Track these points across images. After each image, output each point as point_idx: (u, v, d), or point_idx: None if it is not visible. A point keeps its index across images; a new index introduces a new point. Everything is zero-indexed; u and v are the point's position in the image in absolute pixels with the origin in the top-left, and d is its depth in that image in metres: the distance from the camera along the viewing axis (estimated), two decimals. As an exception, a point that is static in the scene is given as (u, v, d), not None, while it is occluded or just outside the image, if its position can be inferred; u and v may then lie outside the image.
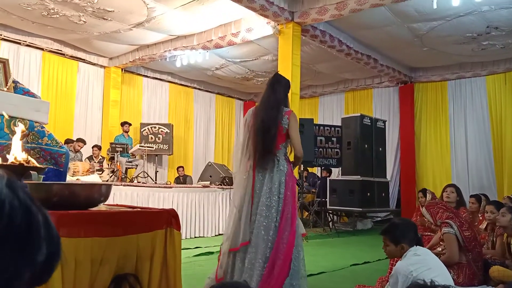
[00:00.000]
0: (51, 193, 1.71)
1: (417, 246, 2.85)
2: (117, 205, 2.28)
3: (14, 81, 3.48)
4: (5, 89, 3.34)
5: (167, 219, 1.88)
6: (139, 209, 1.96)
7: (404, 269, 2.65)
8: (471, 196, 5.54)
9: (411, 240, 2.73)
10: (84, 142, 8.92)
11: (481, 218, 5.30)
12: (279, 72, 3.26)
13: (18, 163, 2.09)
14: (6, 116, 2.41)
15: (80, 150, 8.81)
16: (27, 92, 3.48)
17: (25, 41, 8.85)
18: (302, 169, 8.88)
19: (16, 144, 2.24)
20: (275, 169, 2.80)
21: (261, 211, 2.72)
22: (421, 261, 2.67)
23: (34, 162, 2.25)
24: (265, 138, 2.81)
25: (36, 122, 3.30)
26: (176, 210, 5.61)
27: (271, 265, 2.67)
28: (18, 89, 3.47)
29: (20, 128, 2.35)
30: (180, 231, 1.90)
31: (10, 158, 2.14)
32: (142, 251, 1.78)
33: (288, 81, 3.20)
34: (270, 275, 2.65)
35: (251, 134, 2.89)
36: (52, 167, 3.37)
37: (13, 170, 2.11)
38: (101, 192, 1.81)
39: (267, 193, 2.76)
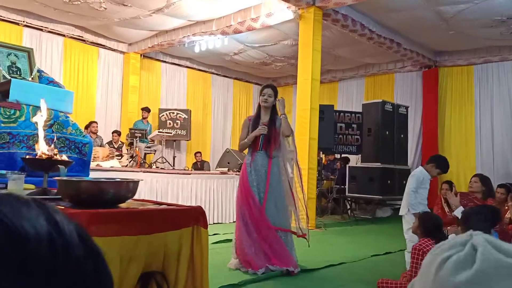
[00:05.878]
0: (80, 190, 1.71)
1: None
2: (143, 200, 2.27)
3: (38, 70, 3.48)
4: (30, 78, 3.34)
5: (195, 217, 1.86)
6: (166, 206, 1.95)
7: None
8: (499, 186, 5.31)
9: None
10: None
11: (506, 208, 5.14)
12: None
13: (46, 157, 2.09)
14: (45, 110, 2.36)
15: (99, 135, 8.87)
16: (51, 82, 3.48)
17: (47, 28, 8.90)
18: (320, 156, 8.82)
19: (41, 136, 2.23)
20: None
21: None
22: None
23: (60, 155, 2.25)
24: None
25: (61, 112, 3.31)
26: (195, 198, 5.82)
27: None
28: (43, 78, 3.47)
29: (43, 119, 2.32)
30: (207, 228, 1.89)
31: (38, 152, 2.14)
32: (169, 249, 1.77)
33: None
34: None
35: None
36: (76, 156, 3.39)
37: (41, 164, 2.12)
38: (129, 188, 1.81)
39: None
